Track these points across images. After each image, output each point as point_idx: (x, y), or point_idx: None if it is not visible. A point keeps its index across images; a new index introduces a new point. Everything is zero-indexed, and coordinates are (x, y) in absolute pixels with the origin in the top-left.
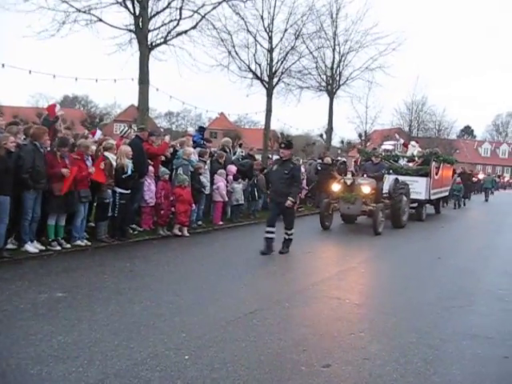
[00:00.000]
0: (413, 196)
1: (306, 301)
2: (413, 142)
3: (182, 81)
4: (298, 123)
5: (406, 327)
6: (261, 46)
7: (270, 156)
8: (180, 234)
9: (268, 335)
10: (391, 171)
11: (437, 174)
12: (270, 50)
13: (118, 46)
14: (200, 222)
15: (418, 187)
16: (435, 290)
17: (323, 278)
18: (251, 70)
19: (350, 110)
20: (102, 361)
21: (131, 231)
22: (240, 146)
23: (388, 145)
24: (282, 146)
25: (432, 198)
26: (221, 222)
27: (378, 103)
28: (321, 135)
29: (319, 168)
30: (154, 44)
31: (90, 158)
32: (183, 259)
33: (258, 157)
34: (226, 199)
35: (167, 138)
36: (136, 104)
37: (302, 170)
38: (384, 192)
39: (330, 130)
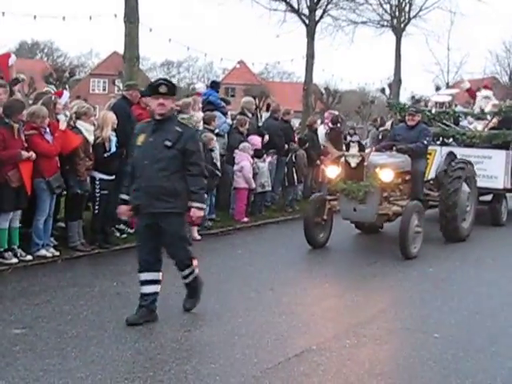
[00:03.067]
0: (482, 183)
1: (374, 334)
2: (483, 91)
3: (185, 19)
4: (351, 75)
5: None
6: None
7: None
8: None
9: None
10: (445, 140)
11: None
12: None
13: None
14: (214, 216)
15: (493, 167)
16: None
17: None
18: (284, 0)
19: (426, 54)
20: None
21: (117, 234)
22: (268, 107)
23: (443, 95)
24: (162, 91)
25: None
26: (246, 219)
27: (466, 44)
28: (382, 90)
29: (381, 138)
30: None
31: (48, 131)
32: None
33: (296, 122)
34: (254, 185)
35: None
36: (120, 51)
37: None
38: (430, 178)
39: (397, 81)
